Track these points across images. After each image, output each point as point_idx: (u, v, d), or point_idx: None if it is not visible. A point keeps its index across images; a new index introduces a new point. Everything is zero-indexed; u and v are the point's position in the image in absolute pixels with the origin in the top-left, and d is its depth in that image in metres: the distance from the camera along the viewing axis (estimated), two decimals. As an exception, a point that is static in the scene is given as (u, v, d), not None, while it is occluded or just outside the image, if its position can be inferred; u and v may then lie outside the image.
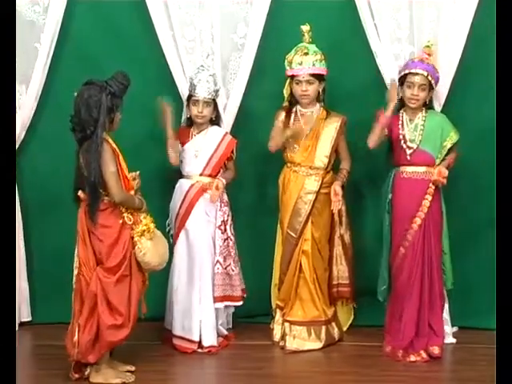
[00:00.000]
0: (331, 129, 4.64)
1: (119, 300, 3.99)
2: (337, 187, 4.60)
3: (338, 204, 4.59)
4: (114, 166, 3.95)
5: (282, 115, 4.67)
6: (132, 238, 4.02)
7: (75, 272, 4.10)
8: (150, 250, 4.04)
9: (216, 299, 4.61)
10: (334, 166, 4.72)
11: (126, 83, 4.01)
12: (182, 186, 4.68)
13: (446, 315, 4.67)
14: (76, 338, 3.96)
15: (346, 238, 4.76)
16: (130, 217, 4.03)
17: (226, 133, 4.76)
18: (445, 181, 4.42)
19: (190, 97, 4.65)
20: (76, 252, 4.10)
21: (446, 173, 4.41)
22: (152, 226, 4.07)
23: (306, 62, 4.51)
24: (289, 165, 4.70)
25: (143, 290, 4.13)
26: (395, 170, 4.55)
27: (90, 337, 3.97)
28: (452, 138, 4.50)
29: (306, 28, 4.56)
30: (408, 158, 4.49)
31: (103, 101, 3.91)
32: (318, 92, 4.62)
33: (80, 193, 4.05)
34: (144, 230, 4.02)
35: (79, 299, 4.04)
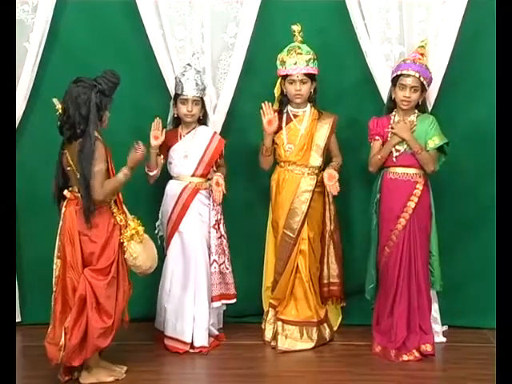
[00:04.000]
0: (325, 128, 4.65)
1: (109, 302, 3.96)
2: (331, 170, 4.59)
3: (335, 186, 4.56)
4: (102, 165, 3.90)
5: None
6: (121, 243, 3.99)
7: (56, 273, 4.03)
8: (140, 253, 4.01)
9: (213, 299, 4.60)
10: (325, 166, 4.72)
11: (115, 81, 3.98)
12: (174, 187, 4.65)
13: (435, 314, 4.68)
14: (62, 341, 3.91)
15: (335, 236, 4.77)
16: (122, 217, 4.01)
17: (215, 132, 4.74)
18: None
19: (177, 96, 4.62)
20: (57, 253, 4.04)
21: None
22: (141, 228, 4.03)
23: (300, 61, 4.50)
24: (282, 164, 4.68)
25: (128, 298, 4.08)
26: (384, 171, 4.55)
27: (77, 340, 3.93)
28: (434, 141, 4.44)
29: (297, 28, 4.54)
30: (394, 160, 4.49)
31: (92, 98, 3.88)
32: (310, 92, 4.62)
33: (66, 192, 4.01)
34: (133, 234, 3.98)
35: (62, 301, 3.98)
